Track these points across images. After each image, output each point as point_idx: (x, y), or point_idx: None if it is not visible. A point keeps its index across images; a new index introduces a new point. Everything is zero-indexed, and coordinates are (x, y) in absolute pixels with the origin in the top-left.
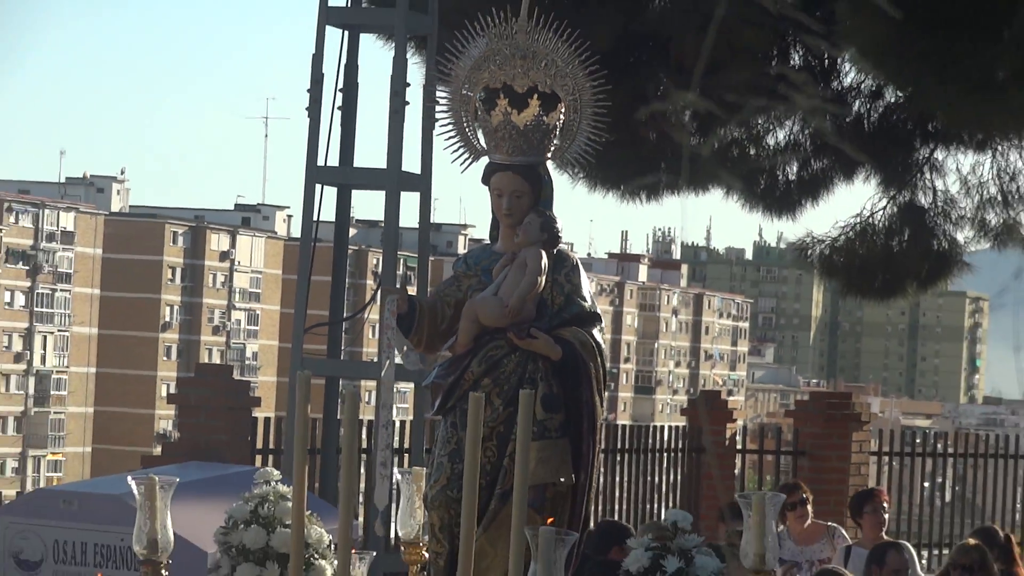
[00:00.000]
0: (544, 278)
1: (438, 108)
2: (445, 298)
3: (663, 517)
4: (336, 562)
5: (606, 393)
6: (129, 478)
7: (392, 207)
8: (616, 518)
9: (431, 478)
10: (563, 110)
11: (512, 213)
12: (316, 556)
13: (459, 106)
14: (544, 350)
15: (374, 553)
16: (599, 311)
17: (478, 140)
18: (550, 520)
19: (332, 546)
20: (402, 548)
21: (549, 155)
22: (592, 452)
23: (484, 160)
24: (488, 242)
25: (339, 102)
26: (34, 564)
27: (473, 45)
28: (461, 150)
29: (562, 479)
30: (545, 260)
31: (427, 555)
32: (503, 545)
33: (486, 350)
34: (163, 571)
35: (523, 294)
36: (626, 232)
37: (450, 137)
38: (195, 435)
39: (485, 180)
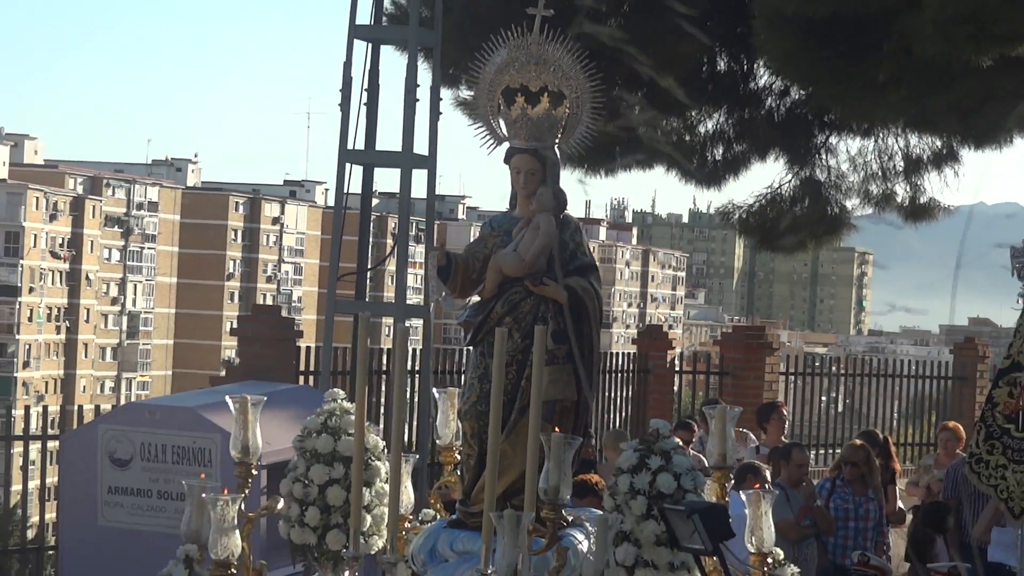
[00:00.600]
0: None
1: (468, 105)
2: (475, 254)
3: (650, 425)
4: (388, 463)
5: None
6: (227, 397)
7: (406, 182)
8: None
9: (463, 396)
10: (568, 105)
11: (527, 186)
12: (373, 458)
13: (485, 102)
14: (553, 295)
15: (417, 456)
16: (596, 263)
17: (500, 129)
18: (558, 428)
19: (384, 450)
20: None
21: (557, 141)
22: (591, 375)
23: (505, 145)
24: (508, 209)
25: (365, 99)
26: (125, 461)
27: (496, 54)
28: (487, 137)
29: (569, 395)
30: (554, 224)
31: (459, 456)
32: (521, 449)
33: (508, 295)
34: (252, 471)
35: (537, 250)
36: (589, 202)
37: (479, 127)
38: (252, 360)
39: (506, 160)
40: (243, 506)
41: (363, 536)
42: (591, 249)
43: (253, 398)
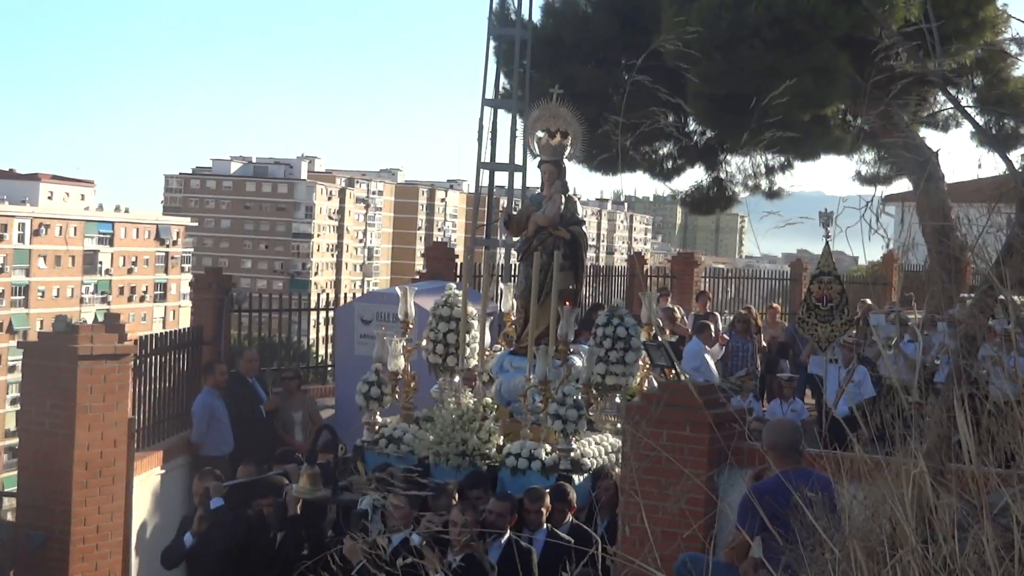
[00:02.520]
0: (562, 206)
1: (522, 137)
2: (523, 214)
3: (614, 303)
4: (476, 320)
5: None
6: (397, 288)
7: (511, 179)
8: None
9: (516, 287)
10: (572, 138)
11: (550, 180)
12: (470, 319)
13: (530, 138)
14: (562, 234)
15: (492, 316)
16: (583, 220)
17: (535, 150)
18: (568, 303)
19: (475, 312)
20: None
21: (566, 156)
22: (583, 274)
23: (539, 159)
24: (540, 191)
25: (489, 136)
26: (368, 321)
27: (534, 111)
28: (531, 154)
29: (571, 286)
30: (563, 199)
31: (513, 317)
32: (547, 314)
33: (540, 234)
34: (410, 324)
35: (555, 212)
36: (603, 191)
37: (527, 149)
38: (432, 270)
39: (539, 166)
40: (404, 343)
41: (465, 359)
42: (581, 212)
43: (410, 288)
